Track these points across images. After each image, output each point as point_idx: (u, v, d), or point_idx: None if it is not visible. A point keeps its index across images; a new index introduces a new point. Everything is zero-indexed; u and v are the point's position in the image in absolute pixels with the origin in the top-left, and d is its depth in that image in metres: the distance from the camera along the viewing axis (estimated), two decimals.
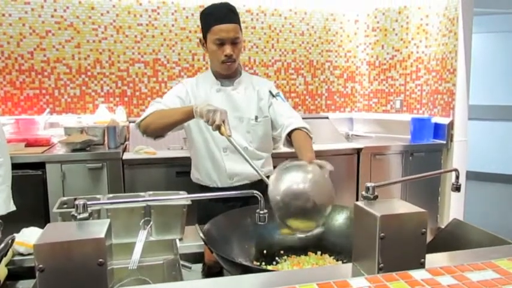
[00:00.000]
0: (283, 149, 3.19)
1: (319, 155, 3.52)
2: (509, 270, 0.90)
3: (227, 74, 1.95)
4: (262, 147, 2.01)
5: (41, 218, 2.77)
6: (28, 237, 1.39)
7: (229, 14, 1.86)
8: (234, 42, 1.86)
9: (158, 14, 3.66)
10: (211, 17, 1.86)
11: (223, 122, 1.55)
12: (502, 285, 0.84)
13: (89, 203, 0.86)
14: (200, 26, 1.97)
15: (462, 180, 3.41)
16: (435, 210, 3.66)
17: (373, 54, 4.09)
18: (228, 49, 1.84)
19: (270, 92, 2.00)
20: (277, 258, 1.45)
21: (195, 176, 2.07)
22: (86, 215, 0.84)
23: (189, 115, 1.68)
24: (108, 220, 0.82)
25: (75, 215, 0.84)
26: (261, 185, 1.93)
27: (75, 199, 0.92)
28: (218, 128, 1.55)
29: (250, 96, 1.98)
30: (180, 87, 2.02)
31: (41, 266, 0.73)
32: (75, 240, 0.75)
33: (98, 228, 0.79)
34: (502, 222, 4.47)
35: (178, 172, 3.04)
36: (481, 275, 0.88)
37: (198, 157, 2.01)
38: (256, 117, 1.96)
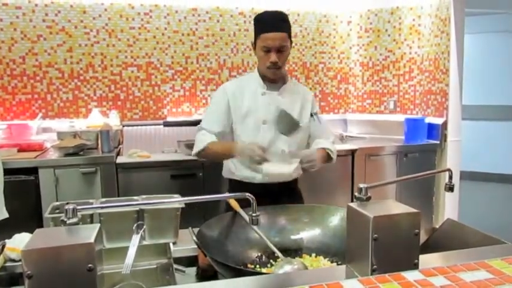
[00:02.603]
0: None
1: None
2: (503, 270, 0.90)
3: (273, 78, 2.03)
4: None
5: (34, 223, 2.75)
6: (19, 243, 1.37)
7: (278, 23, 1.94)
8: (280, 51, 1.94)
9: (151, 17, 3.65)
10: (261, 24, 1.96)
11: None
12: (495, 285, 0.84)
13: (78, 207, 0.85)
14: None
15: (456, 180, 3.42)
16: (430, 210, 3.66)
17: (366, 55, 4.10)
18: (273, 56, 1.93)
19: (311, 110, 2.11)
20: (271, 261, 1.45)
21: (232, 170, 2.11)
22: (75, 219, 0.83)
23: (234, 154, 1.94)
24: (98, 225, 0.81)
25: (65, 220, 0.82)
26: (291, 185, 2.08)
27: (67, 204, 0.91)
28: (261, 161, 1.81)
29: (295, 103, 2.06)
30: (220, 99, 2.06)
31: (29, 272, 0.72)
32: (64, 246, 0.74)
33: (88, 233, 0.78)
34: (497, 222, 4.49)
35: (172, 175, 3.03)
36: (474, 275, 0.88)
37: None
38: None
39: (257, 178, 1.99)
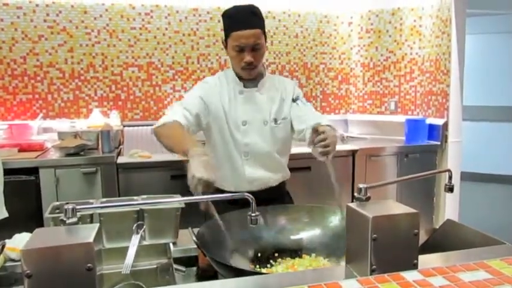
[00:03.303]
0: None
1: (315, 156, 3.39)
2: (501, 271, 0.90)
3: (249, 78, 1.89)
4: (282, 150, 1.97)
5: (35, 223, 2.74)
6: (20, 243, 1.37)
7: (250, 19, 1.78)
8: (255, 49, 1.79)
9: (151, 17, 3.65)
10: (231, 21, 1.80)
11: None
12: (493, 285, 0.84)
13: (78, 207, 0.85)
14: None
15: (456, 181, 3.41)
16: (430, 211, 3.66)
17: (367, 55, 4.10)
18: (247, 56, 1.78)
19: (292, 97, 1.95)
20: (271, 261, 1.45)
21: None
22: (74, 219, 0.83)
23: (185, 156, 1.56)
24: (97, 225, 0.81)
25: (64, 219, 0.83)
26: (278, 190, 1.97)
27: (66, 204, 0.91)
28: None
29: (273, 98, 1.92)
30: (204, 86, 1.93)
31: (28, 271, 0.72)
32: (63, 245, 0.74)
33: (87, 233, 0.78)
34: (497, 222, 4.48)
35: (173, 176, 3.03)
36: (473, 276, 0.88)
37: (216, 160, 1.91)
38: (276, 120, 1.90)
39: (241, 187, 1.88)
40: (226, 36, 1.82)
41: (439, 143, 3.60)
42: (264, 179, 1.90)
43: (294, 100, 1.95)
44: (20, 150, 2.96)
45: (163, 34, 3.69)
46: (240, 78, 1.90)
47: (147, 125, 3.50)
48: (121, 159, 2.99)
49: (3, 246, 1.27)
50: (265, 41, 1.85)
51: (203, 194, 1.37)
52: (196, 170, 1.38)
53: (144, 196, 1.70)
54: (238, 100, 1.89)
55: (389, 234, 0.91)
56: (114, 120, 3.47)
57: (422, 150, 3.61)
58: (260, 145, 1.88)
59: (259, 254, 1.46)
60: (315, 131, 1.62)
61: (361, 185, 1.01)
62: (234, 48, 1.79)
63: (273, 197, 1.87)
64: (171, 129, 1.72)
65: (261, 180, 1.90)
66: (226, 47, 1.86)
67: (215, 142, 1.93)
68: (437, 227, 1.51)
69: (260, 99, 1.90)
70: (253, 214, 1.10)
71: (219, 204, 1.72)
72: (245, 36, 1.75)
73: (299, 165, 3.25)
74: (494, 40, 6.10)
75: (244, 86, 1.91)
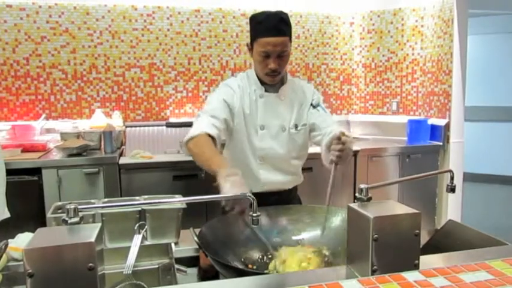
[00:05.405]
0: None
1: (317, 157, 3.37)
2: (503, 271, 0.90)
3: (272, 84, 1.87)
4: (300, 156, 1.96)
5: (37, 223, 2.75)
6: (22, 243, 1.38)
7: (279, 26, 1.74)
8: (281, 56, 1.77)
9: (153, 18, 3.66)
10: (260, 27, 1.76)
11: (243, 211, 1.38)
12: (495, 286, 0.84)
13: (80, 207, 0.85)
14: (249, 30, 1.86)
15: (459, 181, 3.41)
16: (432, 211, 3.66)
17: (369, 56, 4.10)
18: (272, 63, 1.76)
19: (312, 103, 1.93)
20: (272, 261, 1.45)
21: None
22: (76, 219, 0.83)
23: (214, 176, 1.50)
24: (99, 224, 0.82)
25: (66, 219, 0.83)
26: (289, 194, 1.97)
27: (68, 204, 0.91)
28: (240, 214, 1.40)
29: (293, 103, 1.90)
30: (226, 89, 1.88)
31: (30, 271, 0.72)
32: (65, 245, 0.74)
33: (88, 233, 0.79)
34: (498, 223, 4.47)
35: (175, 176, 3.04)
36: (474, 276, 0.88)
37: (231, 161, 1.87)
38: (296, 126, 1.89)
39: (253, 188, 1.82)
40: (253, 40, 1.79)
41: (441, 143, 3.60)
42: (278, 183, 1.91)
43: (314, 106, 1.92)
44: (22, 151, 2.97)
45: (165, 35, 3.70)
46: (262, 82, 1.88)
47: (149, 126, 3.51)
48: (123, 160, 2.99)
49: (6, 246, 1.28)
50: (291, 46, 1.82)
51: (241, 213, 1.36)
52: (230, 191, 1.34)
53: (146, 196, 1.70)
54: (258, 104, 1.86)
55: (390, 234, 0.91)
56: (117, 121, 3.48)
57: (424, 151, 3.61)
58: (276, 150, 1.86)
59: (260, 255, 1.46)
60: (338, 138, 1.60)
61: (362, 186, 1.01)
62: (260, 54, 1.76)
63: (283, 201, 1.86)
64: (201, 145, 1.65)
65: (275, 184, 1.90)
66: (251, 50, 1.83)
67: (232, 144, 1.91)
68: (439, 228, 1.51)
69: (280, 105, 1.88)
70: (254, 214, 1.10)
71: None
72: (272, 44, 1.73)
73: None
74: (496, 40, 6.09)
75: (266, 90, 1.87)
